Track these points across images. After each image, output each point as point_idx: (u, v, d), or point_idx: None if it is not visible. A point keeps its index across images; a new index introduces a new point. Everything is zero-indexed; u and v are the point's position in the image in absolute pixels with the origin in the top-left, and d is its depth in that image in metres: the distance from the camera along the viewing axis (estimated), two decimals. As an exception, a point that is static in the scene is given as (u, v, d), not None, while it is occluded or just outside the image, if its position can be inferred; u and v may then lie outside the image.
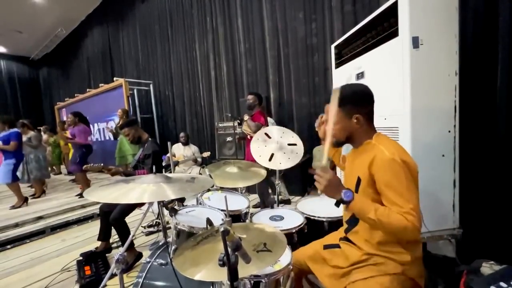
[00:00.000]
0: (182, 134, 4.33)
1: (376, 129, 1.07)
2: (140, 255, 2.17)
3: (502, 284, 0.89)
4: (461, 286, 1.11)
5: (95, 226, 3.12)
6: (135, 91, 6.35)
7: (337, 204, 0.91)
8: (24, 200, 3.97)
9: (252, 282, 1.02)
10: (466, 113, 1.61)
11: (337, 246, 1.12)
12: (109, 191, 0.95)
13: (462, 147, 1.54)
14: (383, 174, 0.91)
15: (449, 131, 1.51)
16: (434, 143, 1.49)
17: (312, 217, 1.52)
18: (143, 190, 0.95)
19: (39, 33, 9.67)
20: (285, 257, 1.10)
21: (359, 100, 1.02)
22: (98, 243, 2.33)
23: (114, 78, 6.35)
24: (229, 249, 0.65)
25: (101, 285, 0.98)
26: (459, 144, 1.53)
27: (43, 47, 11.00)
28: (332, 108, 0.97)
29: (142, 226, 2.86)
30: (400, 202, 0.87)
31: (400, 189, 0.88)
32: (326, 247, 1.15)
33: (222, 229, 0.64)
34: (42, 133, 6.35)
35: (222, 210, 1.59)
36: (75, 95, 8.03)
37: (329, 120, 0.98)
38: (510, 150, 1.64)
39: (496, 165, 1.69)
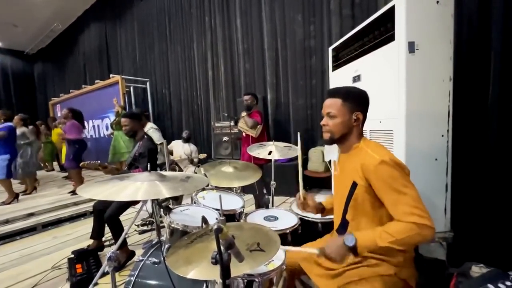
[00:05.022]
0: (186, 131, 4.30)
1: (370, 132, 1.08)
2: (133, 254, 2.15)
3: (489, 285, 0.90)
4: (451, 288, 1.13)
5: (87, 224, 3.09)
6: (131, 88, 6.30)
7: (355, 252, 0.91)
8: (15, 197, 3.91)
9: (246, 281, 1.02)
10: (459, 118, 1.64)
11: None
12: (102, 188, 0.94)
13: (455, 151, 1.57)
14: (378, 178, 0.92)
15: (442, 136, 1.53)
16: (427, 147, 1.51)
17: (306, 218, 1.53)
18: (137, 188, 0.94)
19: (35, 28, 9.53)
20: (279, 257, 1.11)
21: (362, 101, 1.05)
22: (90, 241, 2.30)
23: (111, 75, 6.30)
24: (222, 247, 0.65)
25: (92, 283, 0.97)
26: (451, 149, 1.55)
27: (38, 42, 10.85)
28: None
29: (135, 225, 2.83)
30: (401, 201, 0.88)
31: (398, 188, 0.89)
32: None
33: (215, 227, 0.64)
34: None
35: (216, 210, 1.59)
36: (70, 91, 7.94)
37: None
38: (500, 155, 1.68)
39: (487, 170, 1.73)
